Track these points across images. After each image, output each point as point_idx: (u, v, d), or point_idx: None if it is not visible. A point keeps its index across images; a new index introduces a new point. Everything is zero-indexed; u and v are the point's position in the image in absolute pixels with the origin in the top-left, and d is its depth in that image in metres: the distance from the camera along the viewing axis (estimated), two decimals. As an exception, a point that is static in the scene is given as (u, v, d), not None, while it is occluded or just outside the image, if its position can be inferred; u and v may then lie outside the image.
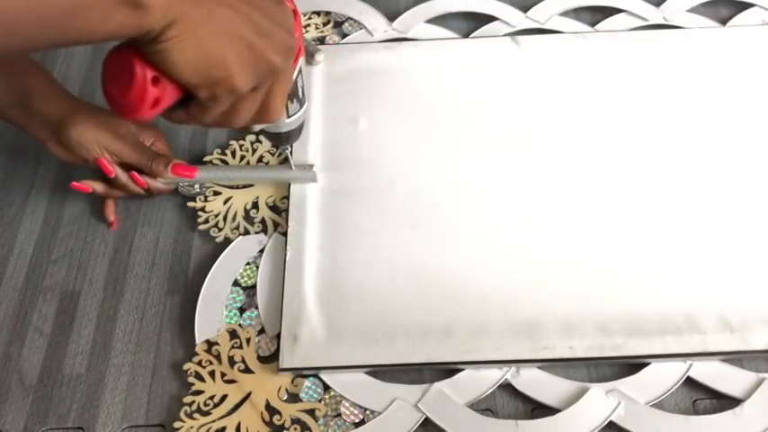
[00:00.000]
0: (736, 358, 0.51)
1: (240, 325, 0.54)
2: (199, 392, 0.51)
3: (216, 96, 0.38)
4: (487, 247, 0.55)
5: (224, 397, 0.50)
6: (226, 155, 0.63)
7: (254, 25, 0.38)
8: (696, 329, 0.51)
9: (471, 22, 0.71)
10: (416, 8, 0.71)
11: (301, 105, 0.50)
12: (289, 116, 0.49)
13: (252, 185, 0.61)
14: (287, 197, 0.59)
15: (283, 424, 0.49)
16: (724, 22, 0.70)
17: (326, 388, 0.51)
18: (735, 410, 0.49)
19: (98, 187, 0.57)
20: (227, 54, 0.36)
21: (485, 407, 0.50)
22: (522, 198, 0.58)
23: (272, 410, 0.50)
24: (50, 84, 0.55)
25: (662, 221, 0.56)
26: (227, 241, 0.58)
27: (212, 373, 0.51)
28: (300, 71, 0.47)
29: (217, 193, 0.60)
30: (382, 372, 0.51)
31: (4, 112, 0.54)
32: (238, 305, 0.55)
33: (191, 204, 0.60)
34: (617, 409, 0.48)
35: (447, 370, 0.51)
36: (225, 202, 0.60)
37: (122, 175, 0.56)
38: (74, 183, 0.57)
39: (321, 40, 0.70)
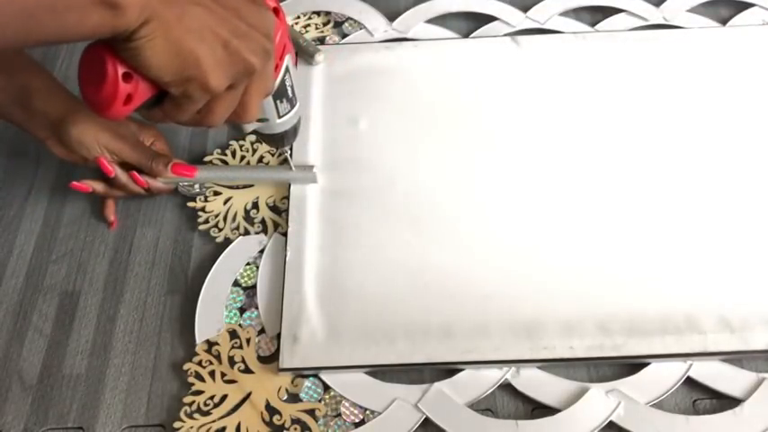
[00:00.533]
0: (736, 358, 0.51)
1: (240, 325, 0.54)
2: (199, 392, 0.51)
3: (189, 94, 0.38)
4: (487, 247, 0.55)
5: (224, 397, 0.50)
6: (226, 155, 0.63)
7: (230, 25, 0.38)
8: (696, 329, 0.51)
9: (471, 22, 0.71)
10: (416, 8, 0.71)
11: (292, 106, 0.50)
12: (280, 116, 0.49)
13: (252, 186, 0.61)
14: (287, 197, 0.59)
15: (283, 424, 0.49)
16: (724, 22, 0.70)
17: (326, 388, 0.51)
18: (735, 410, 0.49)
19: (98, 187, 0.57)
20: (200, 52, 0.37)
21: (485, 407, 0.50)
22: (522, 198, 0.58)
23: (272, 410, 0.50)
24: (51, 83, 0.55)
25: (662, 221, 0.56)
26: (228, 241, 0.58)
27: (212, 374, 0.51)
28: (288, 71, 0.47)
29: (217, 194, 0.60)
30: (382, 372, 0.51)
31: (5, 111, 0.54)
32: (238, 305, 0.55)
33: (191, 204, 0.60)
34: (617, 409, 0.48)
35: (447, 370, 0.51)
36: (225, 203, 0.60)
37: (122, 175, 0.56)
38: (74, 182, 0.57)
39: (321, 40, 0.70)
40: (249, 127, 0.49)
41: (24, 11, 0.31)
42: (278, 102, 0.48)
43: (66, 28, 0.33)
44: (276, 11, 0.43)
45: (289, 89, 0.48)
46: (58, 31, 0.33)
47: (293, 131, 0.52)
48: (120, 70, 0.36)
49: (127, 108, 0.38)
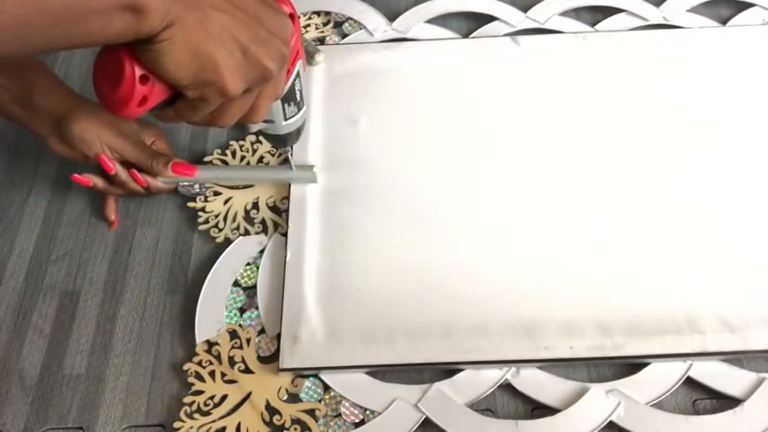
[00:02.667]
0: (735, 358, 0.51)
1: (240, 325, 0.54)
2: (199, 392, 0.51)
3: (205, 97, 0.38)
4: (487, 248, 0.55)
5: (224, 397, 0.50)
6: (226, 155, 0.63)
7: (250, 31, 0.38)
8: (696, 329, 0.51)
9: (471, 22, 0.71)
10: (416, 8, 0.71)
11: (299, 109, 0.50)
12: (286, 119, 0.49)
13: (252, 186, 0.61)
14: (287, 198, 0.59)
15: (283, 424, 0.49)
16: (724, 21, 0.70)
17: (326, 388, 0.51)
18: (735, 410, 0.49)
19: (98, 182, 0.57)
20: (219, 57, 0.37)
21: (485, 407, 0.50)
22: (522, 198, 0.58)
23: (272, 410, 0.50)
24: (52, 80, 0.55)
25: (662, 221, 0.56)
26: (228, 241, 0.58)
27: (212, 374, 0.51)
28: (298, 75, 0.47)
29: (217, 194, 0.60)
30: (382, 372, 0.51)
31: (6, 109, 0.54)
32: (238, 305, 0.55)
33: (191, 204, 0.60)
34: (617, 409, 0.49)
35: (447, 370, 0.51)
36: (225, 203, 0.60)
37: (122, 173, 0.56)
38: (75, 175, 0.57)
39: (321, 40, 0.70)
40: (254, 127, 0.49)
41: (52, 19, 0.31)
42: (285, 105, 0.48)
43: (91, 33, 0.33)
44: (292, 17, 0.43)
45: (297, 93, 0.49)
46: (83, 36, 0.33)
47: (297, 133, 0.52)
48: (138, 72, 0.36)
49: (141, 109, 0.38)
